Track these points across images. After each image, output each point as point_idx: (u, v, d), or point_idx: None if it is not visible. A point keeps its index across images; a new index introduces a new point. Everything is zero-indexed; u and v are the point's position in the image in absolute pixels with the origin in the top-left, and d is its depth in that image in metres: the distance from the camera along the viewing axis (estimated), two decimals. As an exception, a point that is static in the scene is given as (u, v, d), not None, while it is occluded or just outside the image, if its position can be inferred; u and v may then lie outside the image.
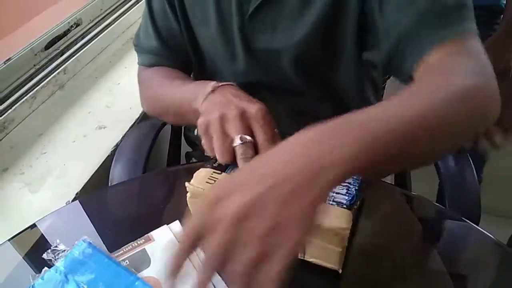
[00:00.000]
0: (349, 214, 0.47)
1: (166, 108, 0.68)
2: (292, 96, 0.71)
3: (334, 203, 0.48)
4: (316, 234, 0.47)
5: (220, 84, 0.56)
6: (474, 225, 0.59)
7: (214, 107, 0.52)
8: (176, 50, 0.72)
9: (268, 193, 0.31)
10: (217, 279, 0.47)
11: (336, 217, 0.46)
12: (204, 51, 0.71)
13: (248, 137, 0.48)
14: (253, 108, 0.50)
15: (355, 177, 0.50)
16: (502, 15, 1.04)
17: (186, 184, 0.50)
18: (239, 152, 0.48)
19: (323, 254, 0.49)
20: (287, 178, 0.32)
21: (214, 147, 0.50)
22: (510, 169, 1.39)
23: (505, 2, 1.02)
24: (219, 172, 0.51)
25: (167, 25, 0.71)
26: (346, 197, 0.49)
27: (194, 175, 0.51)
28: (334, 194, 0.49)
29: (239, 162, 0.48)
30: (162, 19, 0.71)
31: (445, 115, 0.38)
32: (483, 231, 0.57)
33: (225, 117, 0.50)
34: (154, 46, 0.72)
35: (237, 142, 0.48)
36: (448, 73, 0.44)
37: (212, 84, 0.56)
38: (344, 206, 0.48)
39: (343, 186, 0.50)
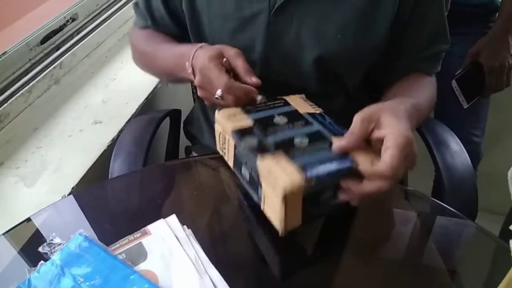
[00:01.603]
0: (300, 180, 0.46)
1: (159, 73, 0.79)
2: (306, 95, 0.71)
3: (297, 163, 0.48)
4: (269, 181, 0.48)
5: (195, 50, 0.62)
6: (471, 221, 0.59)
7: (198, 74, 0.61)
8: (165, 30, 0.76)
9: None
10: (217, 278, 0.47)
11: (287, 174, 0.47)
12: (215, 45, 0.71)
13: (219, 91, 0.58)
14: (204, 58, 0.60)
15: (342, 166, 0.49)
16: (497, 13, 1.04)
17: (217, 110, 0.60)
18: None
19: (273, 209, 0.49)
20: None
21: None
22: (503, 166, 1.40)
23: (500, 0, 1.03)
24: (245, 113, 0.59)
25: (159, 10, 0.73)
26: (312, 168, 0.47)
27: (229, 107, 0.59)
28: (309, 160, 0.49)
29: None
30: (156, 4, 0.73)
31: (427, 114, 0.71)
32: (481, 226, 0.58)
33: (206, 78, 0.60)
34: (146, 17, 0.76)
35: (218, 95, 0.59)
36: (433, 86, 0.74)
37: (191, 53, 0.62)
38: (301, 171, 0.47)
39: (326, 161, 0.49)
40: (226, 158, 0.61)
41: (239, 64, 0.59)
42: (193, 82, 0.63)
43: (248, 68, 0.60)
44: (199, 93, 0.62)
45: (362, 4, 0.63)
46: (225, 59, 0.60)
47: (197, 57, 0.61)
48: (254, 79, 0.59)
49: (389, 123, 0.50)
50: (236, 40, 0.67)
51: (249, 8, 0.65)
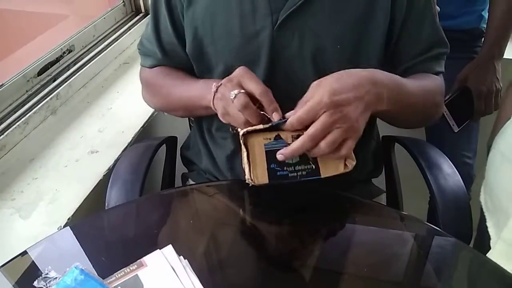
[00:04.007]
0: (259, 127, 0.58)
1: (175, 105, 0.78)
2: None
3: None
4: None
5: (220, 83, 0.64)
6: (466, 244, 0.60)
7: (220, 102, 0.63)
8: (177, 61, 0.78)
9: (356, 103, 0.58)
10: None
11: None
12: (218, 63, 0.72)
13: (237, 90, 0.59)
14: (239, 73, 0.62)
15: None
16: (483, 39, 1.07)
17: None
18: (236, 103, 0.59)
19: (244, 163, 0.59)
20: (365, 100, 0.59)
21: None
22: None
23: (485, 25, 1.06)
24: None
25: (171, 41, 0.75)
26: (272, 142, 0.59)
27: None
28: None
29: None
30: (167, 36, 0.75)
31: (423, 104, 0.72)
32: (471, 247, 0.58)
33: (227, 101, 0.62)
34: (156, 54, 0.78)
35: (232, 95, 0.59)
36: (434, 86, 0.75)
37: (214, 84, 0.64)
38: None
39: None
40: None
41: (267, 100, 0.59)
42: (212, 107, 0.65)
43: (276, 106, 0.60)
44: (216, 104, 0.64)
45: (357, 15, 0.67)
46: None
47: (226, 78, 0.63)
48: (276, 117, 0.59)
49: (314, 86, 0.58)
50: (241, 56, 0.69)
51: (252, 26, 0.68)
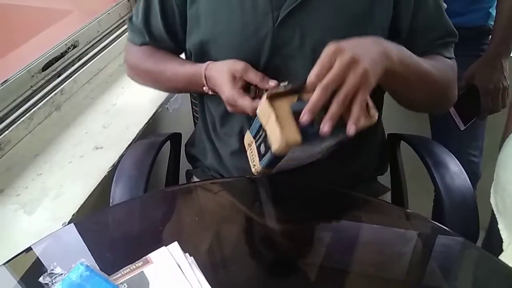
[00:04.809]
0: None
1: (167, 88, 0.86)
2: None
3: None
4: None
5: (204, 73, 0.69)
6: (473, 243, 0.59)
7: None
8: (163, 46, 0.80)
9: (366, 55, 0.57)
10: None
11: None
12: (219, 60, 0.72)
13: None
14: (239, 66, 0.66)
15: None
16: (490, 36, 1.06)
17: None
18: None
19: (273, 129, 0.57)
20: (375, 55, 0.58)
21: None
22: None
23: (492, 23, 1.06)
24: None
25: (160, 33, 0.77)
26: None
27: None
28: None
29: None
30: (157, 29, 0.77)
31: (436, 77, 0.69)
32: (478, 246, 0.58)
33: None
34: (144, 35, 0.79)
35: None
36: (448, 68, 0.74)
37: (201, 75, 0.70)
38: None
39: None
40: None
41: (252, 77, 0.65)
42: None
43: (261, 76, 0.65)
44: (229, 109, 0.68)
45: (358, 10, 0.67)
46: (237, 77, 0.65)
47: (209, 78, 0.69)
48: (272, 83, 0.64)
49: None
50: (242, 53, 0.69)
51: (253, 23, 0.68)
